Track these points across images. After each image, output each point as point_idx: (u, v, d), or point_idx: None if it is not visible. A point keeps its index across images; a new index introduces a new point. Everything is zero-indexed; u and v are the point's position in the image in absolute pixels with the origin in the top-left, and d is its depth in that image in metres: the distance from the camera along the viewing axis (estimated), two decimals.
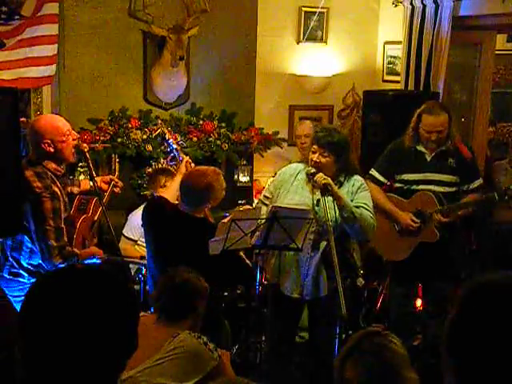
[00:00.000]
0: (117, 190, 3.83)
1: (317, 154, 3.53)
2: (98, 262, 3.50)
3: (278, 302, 3.64)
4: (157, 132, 4.96)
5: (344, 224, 3.46)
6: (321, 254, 3.54)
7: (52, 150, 3.33)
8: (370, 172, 4.25)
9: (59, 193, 3.32)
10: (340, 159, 3.55)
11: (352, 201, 3.51)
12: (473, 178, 4.05)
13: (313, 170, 3.49)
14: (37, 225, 3.25)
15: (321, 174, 3.44)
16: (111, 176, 3.96)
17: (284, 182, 3.70)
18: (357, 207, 3.48)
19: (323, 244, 3.52)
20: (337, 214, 3.38)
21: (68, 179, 3.78)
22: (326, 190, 3.40)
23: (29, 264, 3.36)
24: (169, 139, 4.65)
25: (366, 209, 3.51)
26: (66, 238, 3.31)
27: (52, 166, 3.35)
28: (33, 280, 3.32)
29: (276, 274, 3.63)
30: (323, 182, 3.40)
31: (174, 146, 4.45)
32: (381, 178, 4.20)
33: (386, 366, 1.94)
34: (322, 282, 3.58)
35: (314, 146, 3.56)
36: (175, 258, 3.22)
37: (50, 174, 3.33)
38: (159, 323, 2.72)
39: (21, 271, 3.37)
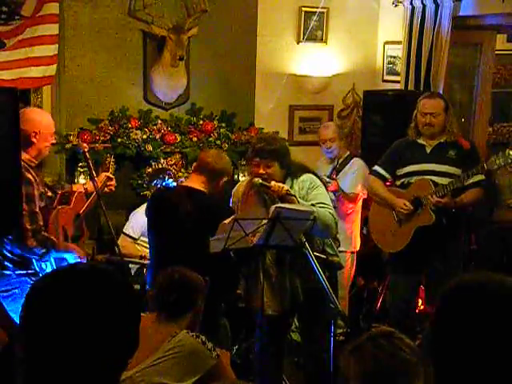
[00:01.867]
0: (108, 189, 3.83)
1: (262, 166, 3.48)
2: (79, 260, 3.49)
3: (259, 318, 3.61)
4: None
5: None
6: (289, 263, 3.53)
7: (35, 141, 3.39)
8: (374, 168, 4.30)
9: (32, 179, 3.36)
10: (284, 164, 3.52)
11: (306, 202, 3.47)
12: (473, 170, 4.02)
13: (260, 181, 3.46)
14: None
15: (276, 183, 3.42)
16: (105, 173, 3.94)
17: (238, 199, 3.69)
18: (313, 205, 3.44)
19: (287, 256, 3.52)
20: None
21: (59, 184, 3.84)
22: (285, 197, 3.38)
23: (11, 253, 3.36)
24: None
25: (323, 207, 3.46)
26: (41, 223, 3.32)
27: (26, 156, 3.38)
28: (18, 272, 3.35)
29: (246, 295, 3.64)
30: (284, 190, 3.39)
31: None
32: (383, 173, 4.25)
33: (380, 369, 1.93)
34: (297, 290, 3.57)
35: (256, 159, 3.50)
36: (182, 238, 3.34)
37: (23, 163, 3.34)
38: (159, 321, 2.72)
39: (5, 262, 3.37)
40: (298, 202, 3.39)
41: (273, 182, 3.43)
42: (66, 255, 3.46)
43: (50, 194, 3.57)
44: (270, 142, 3.50)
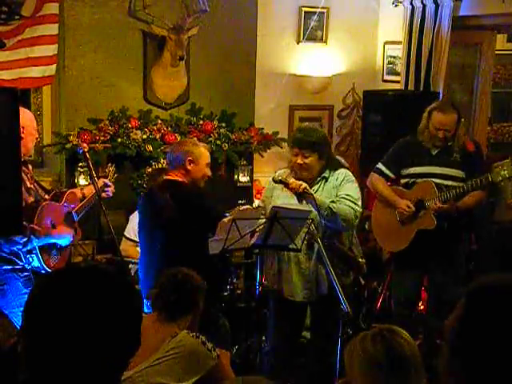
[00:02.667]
0: (107, 192, 3.85)
1: (300, 157, 3.56)
2: (69, 239, 3.55)
3: (282, 306, 3.65)
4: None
5: (326, 221, 3.49)
6: (316, 253, 3.56)
7: (23, 136, 3.40)
8: (377, 166, 4.30)
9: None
10: (323, 156, 3.60)
11: (336, 195, 3.56)
12: (477, 173, 3.98)
13: (280, 178, 3.51)
14: None
15: (294, 181, 3.47)
16: (103, 179, 3.97)
17: (274, 188, 3.73)
18: (333, 202, 3.50)
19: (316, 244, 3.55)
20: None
21: (58, 188, 3.85)
22: (303, 195, 3.42)
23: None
24: None
25: (347, 198, 3.54)
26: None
27: None
28: (5, 268, 3.39)
29: (276, 279, 3.66)
30: (302, 187, 3.43)
31: None
32: (387, 172, 4.25)
33: (395, 359, 1.96)
34: (322, 281, 3.60)
35: (295, 149, 3.58)
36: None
37: None
38: (159, 321, 2.72)
39: None
40: (315, 200, 3.40)
41: (291, 180, 3.49)
42: (55, 240, 3.50)
43: (46, 196, 3.58)
44: (308, 134, 3.59)
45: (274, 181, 3.59)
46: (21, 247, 3.35)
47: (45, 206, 3.50)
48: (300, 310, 3.78)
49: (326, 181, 3.61)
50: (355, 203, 3.56)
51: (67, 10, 4.82)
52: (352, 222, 3.57)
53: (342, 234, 3.64)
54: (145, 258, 3.71)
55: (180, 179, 3.60)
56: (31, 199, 3.43)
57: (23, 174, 3.40)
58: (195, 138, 3.91)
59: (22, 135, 3.40)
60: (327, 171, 3.62)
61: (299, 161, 3.56)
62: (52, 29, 4.55)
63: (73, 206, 3.69)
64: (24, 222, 3.33)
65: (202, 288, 2.87)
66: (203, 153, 3.66)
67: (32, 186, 3.51)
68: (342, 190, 3.59)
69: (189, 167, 3.59)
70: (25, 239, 3.34)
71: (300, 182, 3.46)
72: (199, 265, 3.08)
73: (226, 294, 4.45)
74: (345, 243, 3.64)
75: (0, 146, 3.16)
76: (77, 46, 4.92)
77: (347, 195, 3.56)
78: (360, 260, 3.71)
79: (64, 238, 3.57)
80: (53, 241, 3.50)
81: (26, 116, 3.52)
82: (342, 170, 3.68)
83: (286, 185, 3.49)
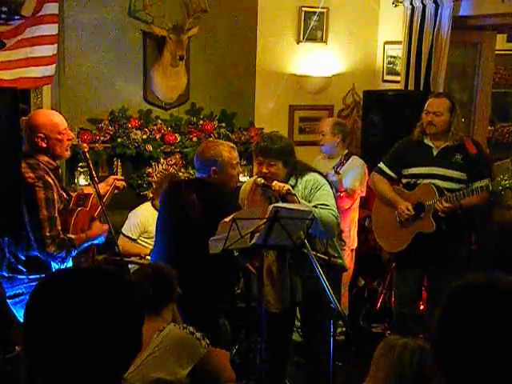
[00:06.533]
0: (120, 184, 3.82)
1: (265, 165, 3.49)
2: (102, 239, 3.51)
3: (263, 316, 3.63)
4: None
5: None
6: (288, 260, 3.54)
7: (44, 145, 3.32)
8: (379, 165, 4.29)
9: (52, 183, 3.31)
10: (288, 163, 3.51)
11: (309, 202, 3.48)
12: (479, 176, 3.99)
13: (262, 181, 3.47)
14: (30, 215, 3.23)
15: (277, 183, 3.43)
16: (113, 176, 3.95)
17: (245, 198, 3.70)
18: (315, 207, 3.44)
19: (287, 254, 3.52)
20: None
21: (69, 187, 3.82)
22: (286, 196, 3.39)
23: (26, 257, 3.34)
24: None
25: (324, 207, 3.46)
26: (59, 227, 3.28)
27: (44, 159, 3.33)
28: (32, 276, 3.32)
29: (247, 292, 3.64)
30: (285, 189, 3.39)
31: None
32: (388, 172, 4.23)
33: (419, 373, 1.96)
34: (297, 288, 3.57)
35: (260, 158, 3.51)
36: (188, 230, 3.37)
37: (42, 165, 3.31)
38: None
39: (19, 266, 3.35)
40: (299, 201, 3.39)
41: (274, 182, 3.44)
42: (90, 243, 3.46)
43: (65, 195, 3.54)
44: (273, 141, 3.50)
45: (257, 185, 3.55)
46: (59, 261, 3.28)
47: (79, 213, 3.43)
48: (279, 320, 3.69)
49: (293, 188, 3.50)
50: (333, 210, 3.49)
51: (67, 10, 4.83)
52: (333, 230, 3.50)
53: (315, 240, 3.53)
54: (159, 255, 3.67)
55: (209, 179, 3.55)
56: (61, 206, 3.36)
57: (52, 182, 3.31)
58: (219, 141, 3.76)
59: (44, 144, 3.31)
60: (293, 179, 3.54)
61: (264, 169, 3.48)
62: (52, 29, 4.55)
63: (95, 210, 3.62)
64: (62, 235, 3.28)
65: (174, 276, 2.91)
66: (227, 160, 3.54)
67: (62, 192, 3.44)
68: (314, 200, 3.49)
69: (215, 176, 3.53)
70: (64, 253, 3.27)
71: (283, 184, 3.42)
72: (208, 265, 3.08)
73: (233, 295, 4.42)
74: (319, 247, 3.57)
75: (0, 147, 3.16)
76: (77, 46, 4.93)
77: (323, 204, 3.47)
78: (335, 261, 3.64)
79: (97, 238, 3.49)
80: (87, 244, 3.44)
81: (46, 123, 3.32)
82: (309, 177, 3.56)
83: (269, 187, 3.46)
